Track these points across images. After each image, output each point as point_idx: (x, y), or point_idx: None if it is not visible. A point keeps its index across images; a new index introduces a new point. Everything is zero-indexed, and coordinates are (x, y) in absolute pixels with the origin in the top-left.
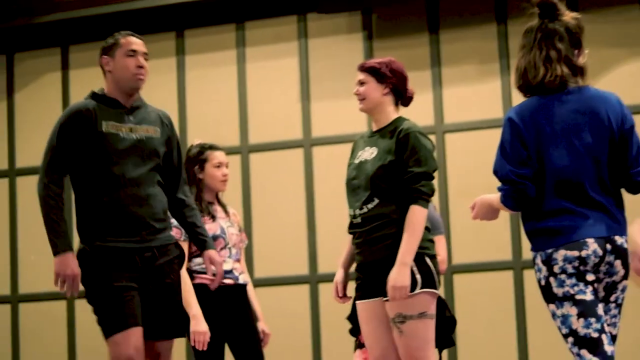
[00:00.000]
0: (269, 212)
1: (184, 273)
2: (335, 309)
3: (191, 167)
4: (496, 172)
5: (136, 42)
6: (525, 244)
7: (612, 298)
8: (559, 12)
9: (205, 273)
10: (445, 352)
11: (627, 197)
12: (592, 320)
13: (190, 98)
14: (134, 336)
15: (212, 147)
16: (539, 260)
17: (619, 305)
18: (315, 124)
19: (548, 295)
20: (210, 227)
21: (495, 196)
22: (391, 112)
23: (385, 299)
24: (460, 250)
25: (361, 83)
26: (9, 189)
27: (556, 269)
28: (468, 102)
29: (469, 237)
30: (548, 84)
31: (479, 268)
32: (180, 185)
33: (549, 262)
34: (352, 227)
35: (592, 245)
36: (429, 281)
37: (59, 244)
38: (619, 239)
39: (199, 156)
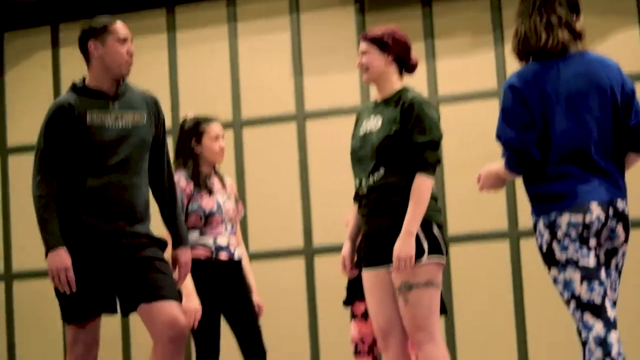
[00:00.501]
0: (263, 186)
1: None
2: (331, 281)
3: (187, 141)
4: (499, 138)
5: (125, 29)
6: (522, 213)
7: (613, 263)
8: None
9: (200, 246)
10: (442, 320)
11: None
12: (595, 285)
13: (182, 74)
14: (92, 326)
15: (208, 120)
16: (541, 225)
17: (619, 271)
18: (308, 98)
19: (550, 260)
20: (207, 203)
21: (499, 165)
22: (395, 82)
23: (390, 268)
24: (456, 221)
25: (364, 53)
26: (1, 167)
27: (559, 234)
28: (462, 74)
29: (464, 207)
30: (550, 49)
31: (475, 238)
32: (165, 169)
33: (552, 227)
34: (357, 197)
35: (596, 210)
36: (436, 249)
37: (50, 240)
38: (620, 204)
39: (196, 129)
